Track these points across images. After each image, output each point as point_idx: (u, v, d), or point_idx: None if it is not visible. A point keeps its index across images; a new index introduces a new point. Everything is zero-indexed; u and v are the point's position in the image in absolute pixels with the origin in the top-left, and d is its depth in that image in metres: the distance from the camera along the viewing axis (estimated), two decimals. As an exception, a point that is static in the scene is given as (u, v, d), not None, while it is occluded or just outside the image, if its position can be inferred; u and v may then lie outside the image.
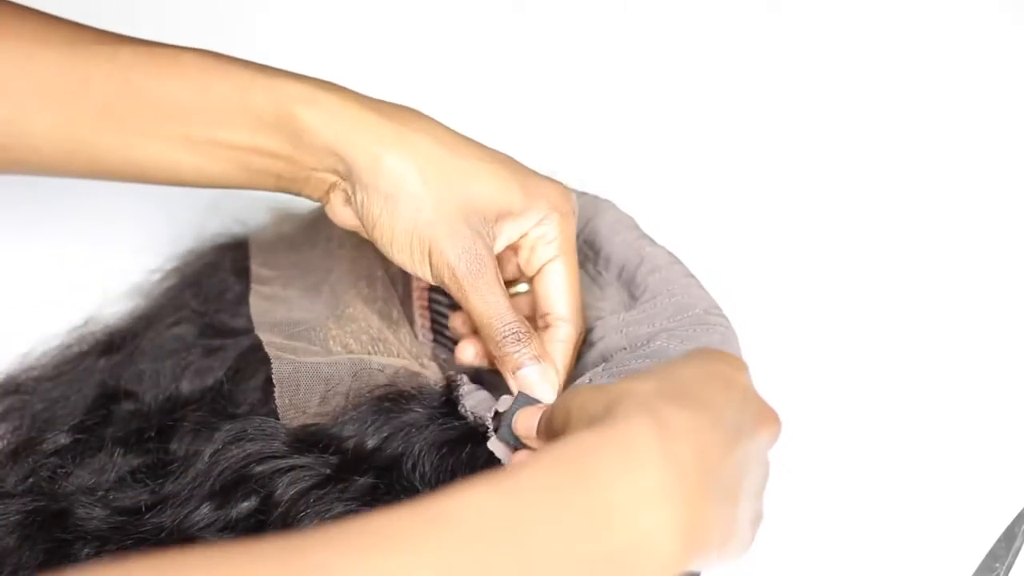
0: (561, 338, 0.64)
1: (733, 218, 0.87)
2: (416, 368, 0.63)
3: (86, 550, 0.58)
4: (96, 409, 0.66)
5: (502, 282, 0.62)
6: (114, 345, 0.70)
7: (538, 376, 0.61)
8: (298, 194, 0.64)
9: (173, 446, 0.62)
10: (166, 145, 0.61)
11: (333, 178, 0.62)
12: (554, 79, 0.96)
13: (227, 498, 0.58)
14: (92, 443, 0.64)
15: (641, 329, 0.63)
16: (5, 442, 0.66)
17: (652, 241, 0.68)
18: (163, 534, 0.58)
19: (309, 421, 0.61)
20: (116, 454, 0.62)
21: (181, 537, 0.58)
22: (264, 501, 0.59)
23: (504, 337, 0.61)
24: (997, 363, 0.79)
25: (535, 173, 0.64)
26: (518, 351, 0.61)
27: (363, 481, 0.58)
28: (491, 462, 0.59)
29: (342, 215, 0.63)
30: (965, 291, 0.83)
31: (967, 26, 0.98)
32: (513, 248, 0.65)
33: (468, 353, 0.66)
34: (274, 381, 0.62)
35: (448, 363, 0.67)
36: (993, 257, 0.86)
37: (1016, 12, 0.99)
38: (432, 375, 0.63)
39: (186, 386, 0.66)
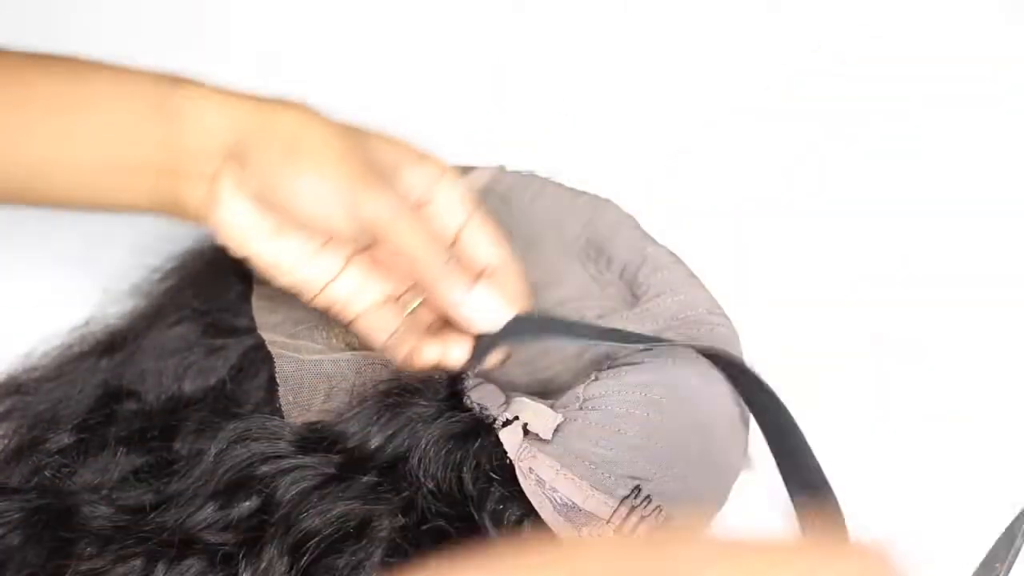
0: (504, 277, 0.62)
1: (733, 218, 0.87)
2: (420, 363, 0.63)
3: (89, 549, 0.58)
4: (99, 408, 0.66)
5: (425, 219, 0.59)
6: (116, 345, 0.70)
7: (489, 295, 0.58)
8: (174, 203, 0.60)
9: (176, 445, 0.62)
10: (42, 142, 0.60)
11: (217, 161, 0.59)
12: (554, 79, 0.96)
13: (231, 498, 0.59)
14: (95, 442, 0.64)
15: (644, 327, 0.64)
16: (7, 442, 0.67)
17: (654, 241, 0.69)
18: (166, 533, 0.58)
19: (313, 419, 0.61)
20: (119, 453, 0.62)
21: (184, 537, 0.58)
22: (266, 501, 0.59)
23: (445, 260, 0.57)
24: (997, 363, 0.79)
25: None
26: (461, 273, 0.58)
27: (366, 480, 0.58)
28: (497, 454, 0.59)
29: (232, 210, 0.60)
30: (965, 291, 0.83)
31: (967, 26, 0.98)
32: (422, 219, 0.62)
33: (433, 352, 0.62)
34: (277, 380, 0.62)
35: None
36: (993, 257, 0.86)
37: (1015, 12, 0.99)
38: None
39: (189, 385, 0.66)
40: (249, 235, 0.60)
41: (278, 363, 0.62)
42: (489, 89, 0.96)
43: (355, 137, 0.59)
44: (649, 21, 1.00)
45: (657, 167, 0.91)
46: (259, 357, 0.65)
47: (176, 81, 0.60)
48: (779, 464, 0.59)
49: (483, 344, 0.58)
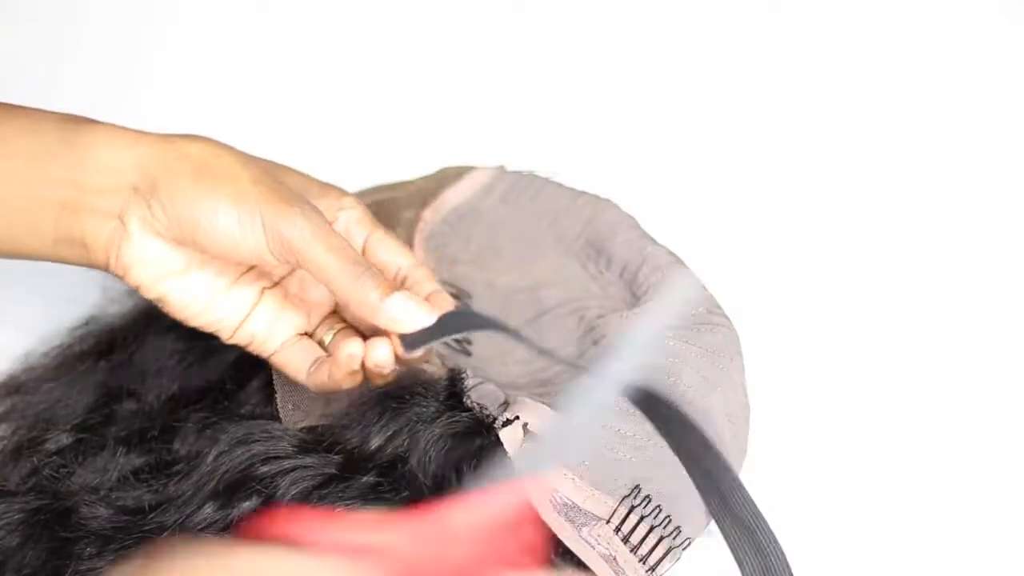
0: (419, 275, 0.61)
1: (733, 218, 0.87)
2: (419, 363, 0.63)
3: (89, 549, 0.58)
4: (98, 408, 0.66)
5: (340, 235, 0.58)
6: (115, 345, 0.70)
7: (407, 301, 0.56)
8: (81, 244, 0.58)
9: (176, 446, 0.62)
10: None
11: (123, 198, 0.57)
12: (554, 79, 0.96)
13: (231, 498, 0.59)
14: (94, 442, 0.64)
15: (644, 328, 0.64)
16: (7, 442, 0.67)
17: (654, 240, 0.69)
18: (166, 533, 0.58)
19: (313, 423, 0.61)
20: (119, 453, 0.62)
21: (184, 537, 0.58)
22: (266, 501, 0.59)
23: (361, 274, 0.56)
24: (997, 363, 0.79)
25: None
26: (379, 283, 0.56)
27: (366, 480, 0.58)
28: (496, 453, 0.59)
29: (140, 248, 0.57)
30: (965, 290, 0.83)
31: (967, 26, 0.98)
32: None
33: (382, 351, 0.59)
34: (275, 386, 0.62)
35: (451, 359, 0.67)
36: (993, 256, 0.86)
37: (1015, 12, 0.99)
38: (436, 370, 0.63)
39: (188, 386, 0.66)
40: (159, 274, 0.58)
41: (276, 371, 0.62)
42: (489, 89, 0.96)
43: (263, 164, 0.59)
44: (649, 21, 1.00)
45: (657, 167, 0.91)
46: (258, 360, 0.65)
47: (80, 120, 0.58)
48: (708, 504, 0.58)
49: (408, 341, 0.57)
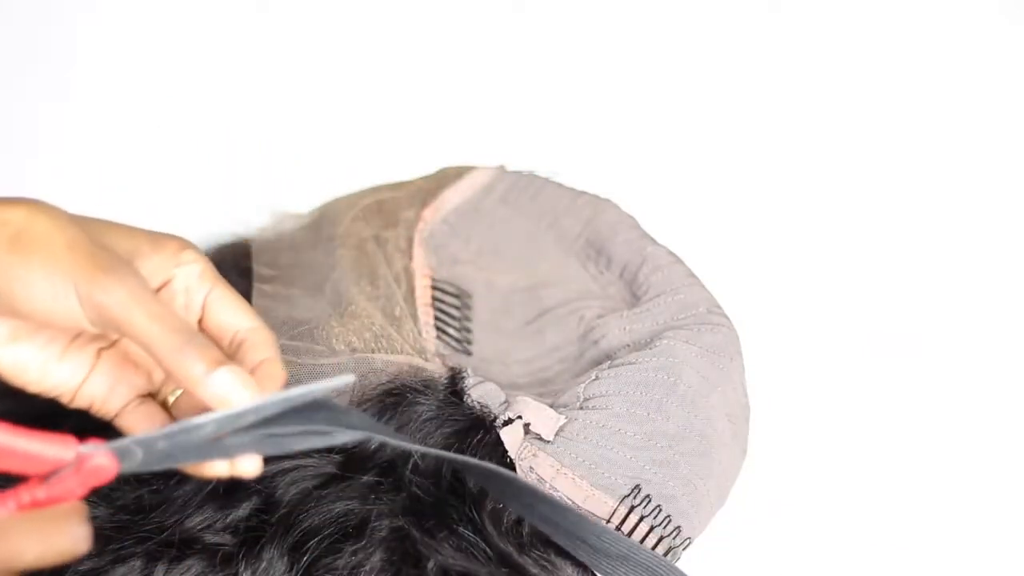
0: (257, 340, 0.57)
1: (733, 218, 0.87)
2: (420, 363, 0.63)
3: (89, 549, 0.58)
4: (98, 408, 0.66)
5: (164, 301, 0.55)
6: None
7: (232, 376, 0.53)
8: None
9: (176, 445, 0.62)
10: None
11: None
12: (554, 79, 0.96)
13: (230, 498, 0.59)
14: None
15: (644, 326, 0.64)
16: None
17: (654, 240, 0.69)
18: (166, 533, 0.58)
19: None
20: (119, 453, 0.62)
21: (184, 537, 0.58)
22: (266, 501, 0.59)
23: (183, 344, 0.52)
24: (997, 363, 0.79)
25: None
26: (202, 356, 0.52)
27: (366, 480, 0.58)
28: (497, 453, 0.60)
29: None
30: (965, 290, 0.83)
31: (966, 26, 0.98)
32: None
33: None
34: None
35: (452, 359, 0.67)
36: (992, 256, 0.86)
37: (1015, 12, 1.00)
38: (437, 369, 0.63)
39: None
40: None
41: None
42: (489, 89, 0.96)
43: (86, 226, 0.56)
44: (649, 21, 1.00)
45: (657, 167, 0.91)
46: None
47: None
48: (579, 554, 0.58)
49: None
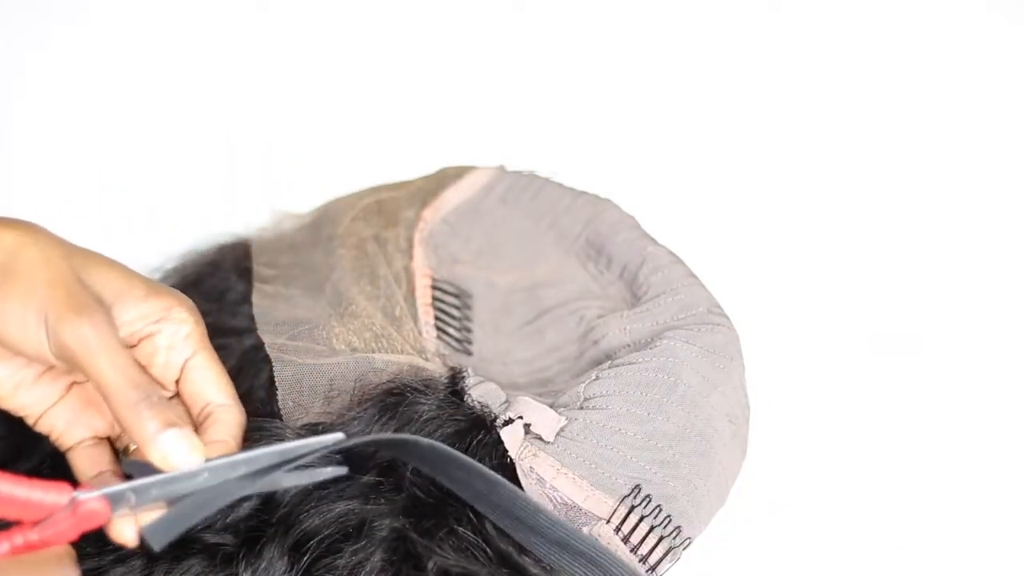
0: (224, 419, 0.57)
1: (733, 218, 0.87)
2: (420, 363, 0.63)
3: (89, 548, 0.58)
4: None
5: (129, 354, 0.56)
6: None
7: (181, 440, 0.53)
8: None
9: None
10: None
11: None
12: (554, 79, 0.96)
13: (230, 498, 0.58)
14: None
15: (645, 326, 0.64)
16: (7, 442, 0.66)
17: (654, 241, 0.69)
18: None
19: (313, 420, 0.61)
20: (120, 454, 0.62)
21: (184, 537, 0.58)
22: (266, 501, 0.59)
23: (139, 401, 0.53)
24: (997, 363, 0.79)
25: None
26: (157, 415, 0.53)
27: (366, 479, 0.58)
28: (497, 453, 0.60)
29: None
30: (964, 290, 0.83)
31: (966, 26, 0.99)
32: (146, 359, 0.58)
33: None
34: (276, 384, 0.62)
35: (452, 359, 0.67)
36: (992, 256, 0.86)
37: (1015, 12, 1.00)
38: (437, 369, 0.63)
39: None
40: None
41: (277, 368, 0.62)
42: (489, 89, 0.96)
43: (75, 261, 0.56)
44: (649, 21, 1.00)
45: (657, 167, 0.91)
46: (259, 357, 0.65)
47: None
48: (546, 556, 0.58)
49: (150, 532, 0.54)
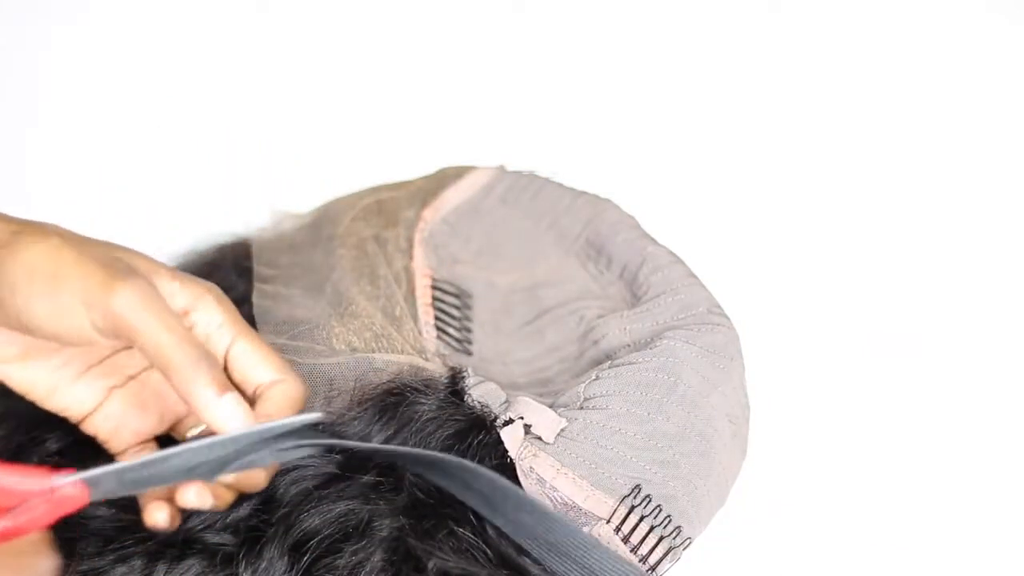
0: (276, 396, 0.56)
1: (733, 218, 0.87)
2: (420, 363, 0.63)
3: (89, 548, 0.58)
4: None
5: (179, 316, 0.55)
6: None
7: (239, 408, 0.53)
8: None
9: (177, 445, 0.62)
10: None
11: None
12: (554, 79, 0.96)
13: (230, 498, 0.58)
14: (95, 442, 0.64)
15: (645, 326, 0.64)
16: (7, 442, 0.66)
17: (654, 240, 0.69)
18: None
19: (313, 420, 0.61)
20: (120, 453, 0.62)
21: (184, 537, 0.58)
22: (266, 501, 0.59)
23: (199, 359, 0.52)
24: (997, 363, 0.79)
25: None
26: (215, 378, 0.53)
27: (366, 479, 0.58)
28: (497, 453, 0.60)
29: None
30: (964, 290, 0.83)
31: (967, 26, 0.99)
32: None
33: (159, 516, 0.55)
34: None
35: (452, 359, 0.68)
36: (992, 256, 0.86)
37: (1015, 12, 1.00)
38: (437, 369, 0.64)
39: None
40: None
41: None
42: (489, 89, 0.96)
43: (101, 248, 0.56)
44: (649, 21, 1.00)
45: (657, 167, 0.91)
46: None
47: None
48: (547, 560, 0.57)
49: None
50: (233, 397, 0.53)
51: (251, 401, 0.56)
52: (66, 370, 0.58)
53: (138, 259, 0.57)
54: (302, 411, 0.55)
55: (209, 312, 0.56)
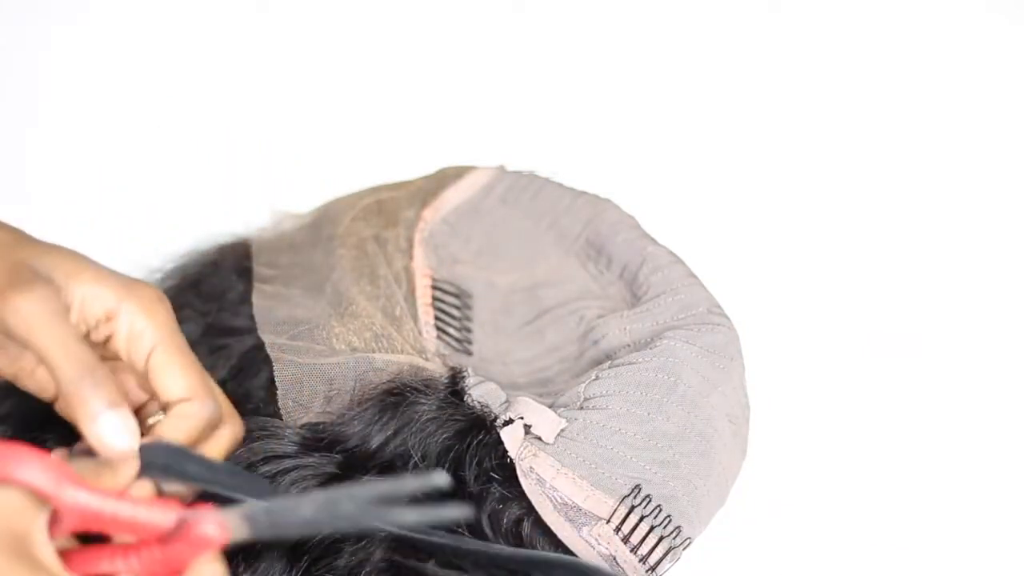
0: (182, 414, 0.55)
1: (733, 218, 0.87)
2: (420, 363, 0.63)
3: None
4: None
5: (74, 329, 0.53)
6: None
7: (122, 424, 0.51)
8: None
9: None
10: None
11: None
12: (554, 79, 0.96)
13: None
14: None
15: (645, 326, 0.64)
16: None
17: (654, 241, 0.69)
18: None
19: (314, 420, 0.61)
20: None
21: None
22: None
23: (82, 376, 0.51)
24: (997, 363, 0.79)
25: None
26: (98, 392, 0.52)
27: (366, 479, 0.58)
28: (497, 453, 0.60)
29: None
30: (964, 291, 0.83)
31: (967, 26, 0.99)
32: (111, 354, 0.57)
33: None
34: (276, 384, 0.62)
35: (452, 359, 0.68)
36: (992, 256, 0.86)
37: (1015, 12, 1.00)
38: (437, 369, 0.64)
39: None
40: None
41: (277, 368, 0.62)
42: (489, 89, 0.96)
43: (25, 249, 0.55)
44: (649, 21, 1.00)
45: (657, 167, 0.91)
46: (260, 357, 0.65)
47: None
48: None
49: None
50: (116, 415, 0.52)
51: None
52: (29, 358, 0.58)
53: (59, 259, 0.56)
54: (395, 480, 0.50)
55: (133, 317, 0.56)
